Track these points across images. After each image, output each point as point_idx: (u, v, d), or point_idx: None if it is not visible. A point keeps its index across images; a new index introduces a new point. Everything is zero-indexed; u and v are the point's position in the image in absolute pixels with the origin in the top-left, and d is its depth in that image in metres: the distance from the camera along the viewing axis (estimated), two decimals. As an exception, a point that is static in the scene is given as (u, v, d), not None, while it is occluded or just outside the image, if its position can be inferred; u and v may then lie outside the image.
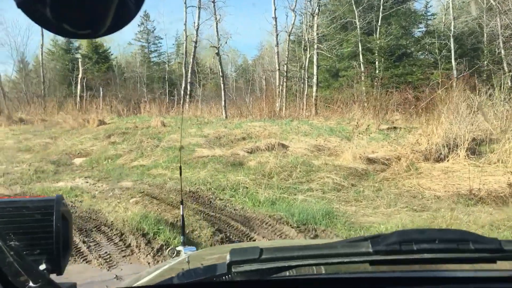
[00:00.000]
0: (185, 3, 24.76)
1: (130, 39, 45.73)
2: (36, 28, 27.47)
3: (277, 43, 23.00)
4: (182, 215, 3.14)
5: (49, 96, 27.51)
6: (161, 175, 8.67)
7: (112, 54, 40.49)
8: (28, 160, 10.67)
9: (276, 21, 22.26)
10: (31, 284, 0.80)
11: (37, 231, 0.93)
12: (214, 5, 20.15)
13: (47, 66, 31.76)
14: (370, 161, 9.53)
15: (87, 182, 8.35)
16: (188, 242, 3.91)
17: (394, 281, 1.07)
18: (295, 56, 26.21)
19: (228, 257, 0.96)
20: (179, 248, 2.52)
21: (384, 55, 23.79)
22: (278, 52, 22.95)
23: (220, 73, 20.15)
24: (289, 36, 21.79)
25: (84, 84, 24.63)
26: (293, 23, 21.08)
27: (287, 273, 1.08)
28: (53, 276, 0.90)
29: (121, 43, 44.54)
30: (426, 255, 0.93)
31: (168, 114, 20.93)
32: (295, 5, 20.85)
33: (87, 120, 16.30)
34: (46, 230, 0.94)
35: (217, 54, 19.89)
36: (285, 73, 21.56)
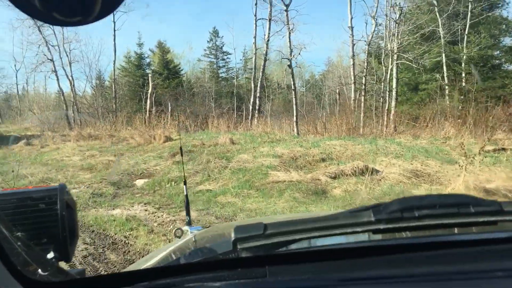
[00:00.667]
0: (255, 15, 23.83)
1: (199, 56, 46.19)
2: (109, 44, 27.85)
3: (353, 54, 21.28)
4: (186, 195, 3.13)
5: (120, 111, 27.68)
6: (230, 204, 7.34)
7: (182, 70, 40.85)
8: (88, 180, 9.83)
9: (352, 30, 20.56)
10: (40, 272, 0.82)
11: (42, 220, 0.94)
12: (287, 14, 18.87)
13: (120, 82, 32.28)
14: (488, 192, 7.54)
15: (146, 210, 7.19)
16: None
17: (397, 248, 1.03)
18: (371, 68, 24.28)
19: (232, 234, 0.96)
20: (185, 228, 2.50)
21: (475, 66, 21.16)
22: (354, 63, 21.20)
23: (292, 86, 18.74)
24: (368, 45, 19.93)
25: (153, 100, 24.30)
26: (373, 31, 19.22)
27: (292, 247, 1.06)
28: (61, 264, 0.94)
29: (191, 60, 45.05)
30: (427, 221, 0.94)
31: (237, 130, 19.83)
32: (376, 12, 18.99)
33: (154, 136, 15.52)
34: (51, 219, 0.95)
35: (289, 66, 18.54)
36: (363, 86, 19.69)
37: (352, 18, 20.46)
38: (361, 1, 20.33)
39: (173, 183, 9.18)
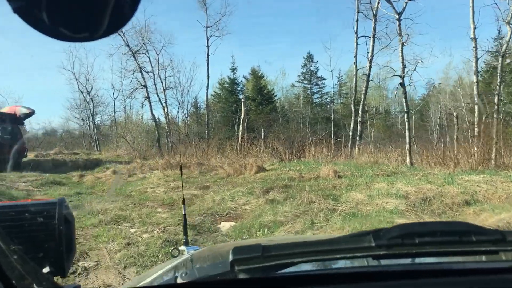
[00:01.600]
0: (355, 32, 21.53)
1: (293, 81, 44.94)
2: (202, 69, 27.31)
3: (477, 70, 17.87)
4: (184, 214, 3.14)
5: (212, 138, 26.74)
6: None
7: (275, 96, 39.67)
8: (165, 221, 8.10)
9: (475, 42, 17.26)
10: (35, 287, 0.81)
11: (40, 234, 0.94)
12: (399, 24, 16.29)
13: (213, 108, 31.70)
14: None
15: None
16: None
17: (397, 275, 1.03)
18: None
19: (230, 255, 0.96)
20: (182, 247, 2.48)
21: None
22: (477, 81, 17.79)
23: (405, 108, 15.96)
24: (502, 57, 16.46)
25: (246, 126, 22.83)
26: (509, 39, 15.77)
27: (291, 270, 1.04)
28: (57, 279, 0.94)
29: (285, 86, 43.90)
30: (428, 248, 0.93)
31: (338, 159, 17.38)
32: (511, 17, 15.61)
33: (245, 165, 13.70)
34: (49, 233, 0.94)
35: (401, 85, 15.84)
36: (495, 107, 16.21)
37: (475, 28, 17.23)
38: (487, 7, 16.68)
39: (265, 230, 7.06)
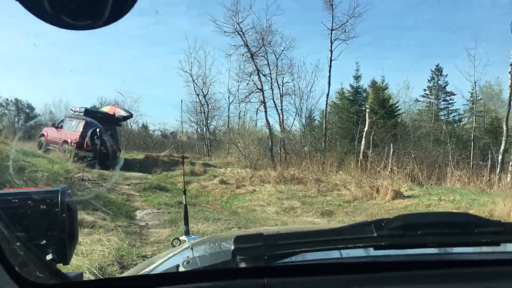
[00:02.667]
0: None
1: (417, 95, 40.65)
2: (322, 76, 24.89)
3: None
4: (185, 205, 3.17)
5: (328, 151, 24.13)
6: None
7: (399, 109, 35.80)
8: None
9: None
10: (38, 274, 0.83)
11: (43, 222, 0.94)
12: None
13: (331, 119, 29.10)
14: None
15: None
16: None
17: (398, 265, 1.04)
18: None
19: (232, 244, 0.96)
20: (183, 237, 2.52)
21: None
22: None
23: None
24: None
25: (370, 140, 19.84)
26: None
27: (292, 259, 1.06)
28: (59, 266, 0.94)
29: (407, 100, 39.56)
30: (430, 239, 0.93)
31: (491, 189, 13.62)
32: None
33: (376, 188, 10.87)
34: (51, 221, 0.95)
35: None
36: None
37: None
38: None
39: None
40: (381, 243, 0.93)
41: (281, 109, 23.75)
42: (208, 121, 29.17)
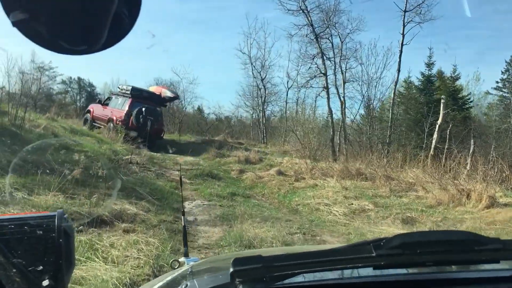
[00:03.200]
0: None
1: (488, 88, 37.18)
2: (393, 59, 22.67)
3: None
4: (184, 225, 3.11)
5: (393, 144, 22.11)
6: None
7: (471, 101, 32.71)
8: None
9: None
10: None
11: (39, 247, 0.93)
12: None
13: (395, 109, 26.82)
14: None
15: None
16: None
17: (398, 285, 1.04)
18: None
19: (231, 266, 0.96)
20: (182, 259, 2.41)
21: None
22: None
23: None
24: None
25: (448, 134, 17.69)
26: None
27: (291, 281, 1.05)
28: None
29: (476, 92, 36.13)
30: (428, 258, 0.94)
31: None
32: None
33: (466, 192, 9.08)
34: (48, 246, 0.94)
35: None
36: None
37: None
38: None
39: None
40: (380, 263, 0.94)
41: (343, 97, 21.93)
42: (265, 106, 27.76)
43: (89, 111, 18.48)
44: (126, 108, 16.19)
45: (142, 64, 58.22)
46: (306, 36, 19.84)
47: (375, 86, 22.26)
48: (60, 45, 0.58)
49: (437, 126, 19.16)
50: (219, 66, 57.01)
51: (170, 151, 16.17)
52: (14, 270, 0.82)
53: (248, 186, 12.03)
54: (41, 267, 0.92)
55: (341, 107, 21.49)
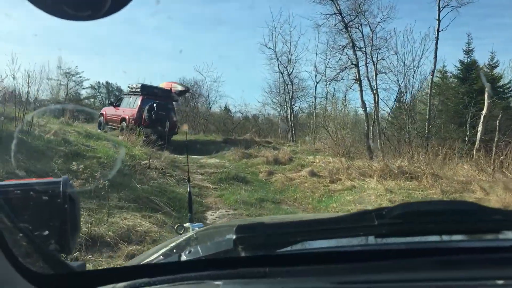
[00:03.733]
0: None
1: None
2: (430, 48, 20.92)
3: None
4: (189, 192, 3.23)
5: (431, 138, 20.49)
6: None
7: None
8: None
9: None
10: (41, 264, 0.84)
11: (45, 212, 0.95)
12: None
13: (432, 100, 25.06)
14: None
15: None
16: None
17: (399, 253, 1.03)
18: None
19: (234, 233, 0.97)
20: (187, 224, 2.49)
21: None
22: None
23: None
24: None
25: (498, 125, 15.98)
26: None
27: (293, 248, 1.04)
28: (62, 256, 0.97)
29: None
30: (430, 227, 0.95)
31: None
32: None
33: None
34: (54, 211, 0.96)
35: None
36: None
37: None
38: None
39: None
40: (382, 231, 0.94)
41: (376, 89, 20.43)
42: (292, 103, 26.50)
43: (102, 114, 18.31)
44: (138, 105, 16.03)
45: (166, 66, 58.02)
46: (335, 26, 18.48)
47: (413, 76, 20.55)
48: (63, 11, 0.58)
49: (481, 116, 17.47)
50: (243, 62, 55.65)
51: (194, 153, 15.22)
52: (21, 235, 0.82)
53: (278, 189, 10.88)
54: (47, 232, 0.94)
55: (374, 99, 20.04)
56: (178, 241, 1.67)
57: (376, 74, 20.61)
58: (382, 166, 11.62)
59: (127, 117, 16.12)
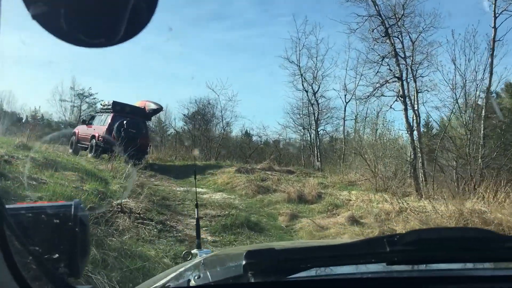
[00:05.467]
0: None
1: None
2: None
3: None
4: (197, 218, 3.18)
5: (492, 158, 16.85)
6: None
7: None
8: None
9: None
10: (50, 287, 0.85)
11: (55, 236, 0.94)
12: None
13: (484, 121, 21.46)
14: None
15: None
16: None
17: (411, 281, 1.03)
18: None
19: (244, 259, 0.96)
20: (194, 251, 2.46)
21: None
22: None
23: None
24: None
25: None
26: None
27: (304, 274, 1.02)
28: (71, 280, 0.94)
29: None
30: (443, 254, 0.92)
31: None
32: None
33: None
34: (64, 235, 0.95)
35: None
36: None
37: None
38: None
39: None
40: (394, 259, 0.92)
41: (417, 109, 16.94)
42: (318, 125, 23.27)
43: (74, 133, 17.59)
44: (108, 122, 15.52)
45: (183, 91, 55.83)
46: (373, 30, 15.25)
47: (476, 90, 17.02)
48: (78, 38, 0.59)
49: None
50: (262, 80, 52.14)
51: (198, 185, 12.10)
52: (31, 258, 0.82)
53: (305, 243, 7.60)
54: (56, 255, 0.92)
55: (417, 121, 16.54)
56: (186, 267, 1.64)
57: (417, 92, 17.16)
58: (454, 211, 8.22)
59: (97, 135, 15.44)
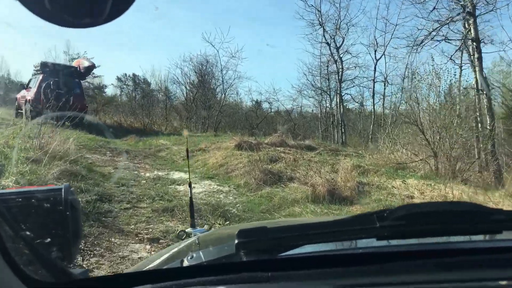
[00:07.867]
0: None
1: None
2: None
3: None
4: (191, 197, 3.16)
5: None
6: None
7: None
8: None
9: None
10: (43, 272, 0.82)
11: (47, 220, 0.95)
12: None
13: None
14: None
15: None
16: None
17: (401, 255, 1.02)
18: None
19: (236, 238, 0.96)
20: (189, 230, 2.54)
21: None
22: None
23: None
24: None
25: None
26: None
27: (295, 252, 1.03)
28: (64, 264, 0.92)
29: None
30: (432, 228, 0.94)
31: None
32: None
33: None
34: (55, 219, 0.95)
35: None
36: None
37: None
38: None
39: None
40: (383, 234, 0.94)
41: (478, 57, 12.41)
42: (341, 88, 18.89)
43: (16, 98, 17.08)
44: (37, 84, 14.81)
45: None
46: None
47: None
48: (63, 18, 0.58)
49: None
50: (272, 32, 44.88)
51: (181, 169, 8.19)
52: (23, 243, 0.81)
53: None
54: (48, 240, 0.92)
55: (481, 83, 12.11)
56: (180, 246, 1.64)
57: (479, 41, 12.61)
58: None
59: (29, 98, 14.84)
